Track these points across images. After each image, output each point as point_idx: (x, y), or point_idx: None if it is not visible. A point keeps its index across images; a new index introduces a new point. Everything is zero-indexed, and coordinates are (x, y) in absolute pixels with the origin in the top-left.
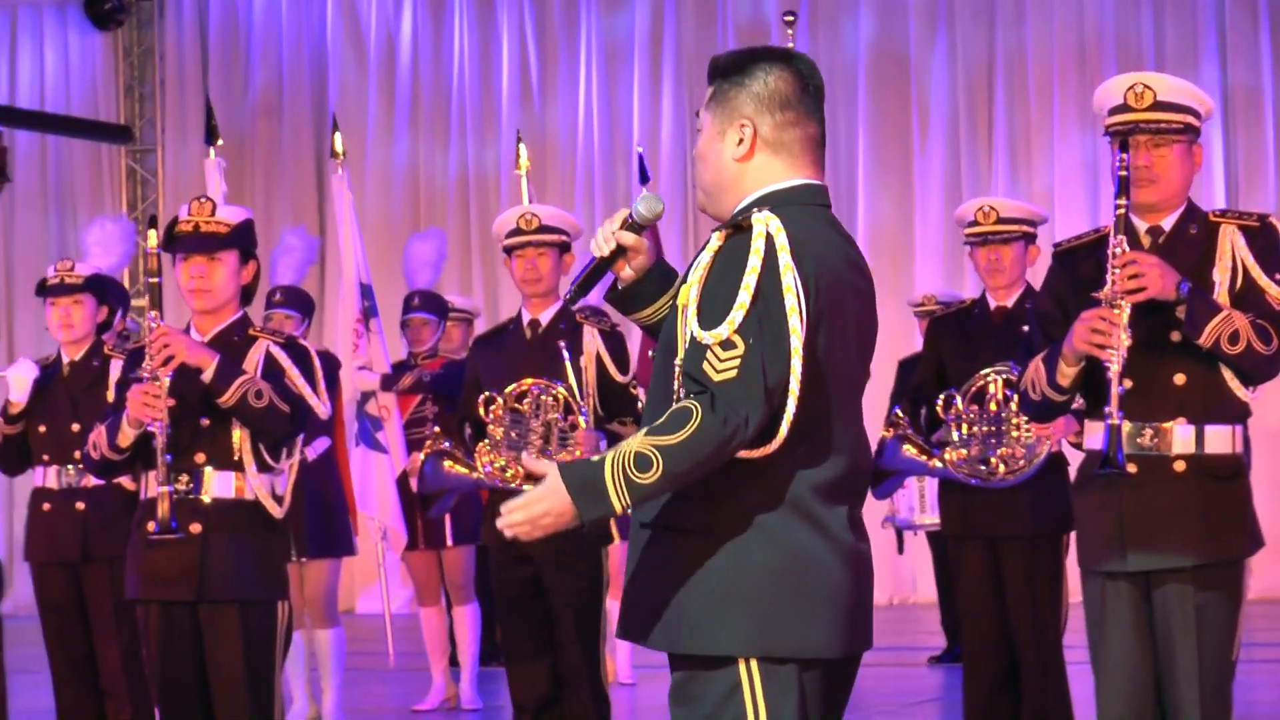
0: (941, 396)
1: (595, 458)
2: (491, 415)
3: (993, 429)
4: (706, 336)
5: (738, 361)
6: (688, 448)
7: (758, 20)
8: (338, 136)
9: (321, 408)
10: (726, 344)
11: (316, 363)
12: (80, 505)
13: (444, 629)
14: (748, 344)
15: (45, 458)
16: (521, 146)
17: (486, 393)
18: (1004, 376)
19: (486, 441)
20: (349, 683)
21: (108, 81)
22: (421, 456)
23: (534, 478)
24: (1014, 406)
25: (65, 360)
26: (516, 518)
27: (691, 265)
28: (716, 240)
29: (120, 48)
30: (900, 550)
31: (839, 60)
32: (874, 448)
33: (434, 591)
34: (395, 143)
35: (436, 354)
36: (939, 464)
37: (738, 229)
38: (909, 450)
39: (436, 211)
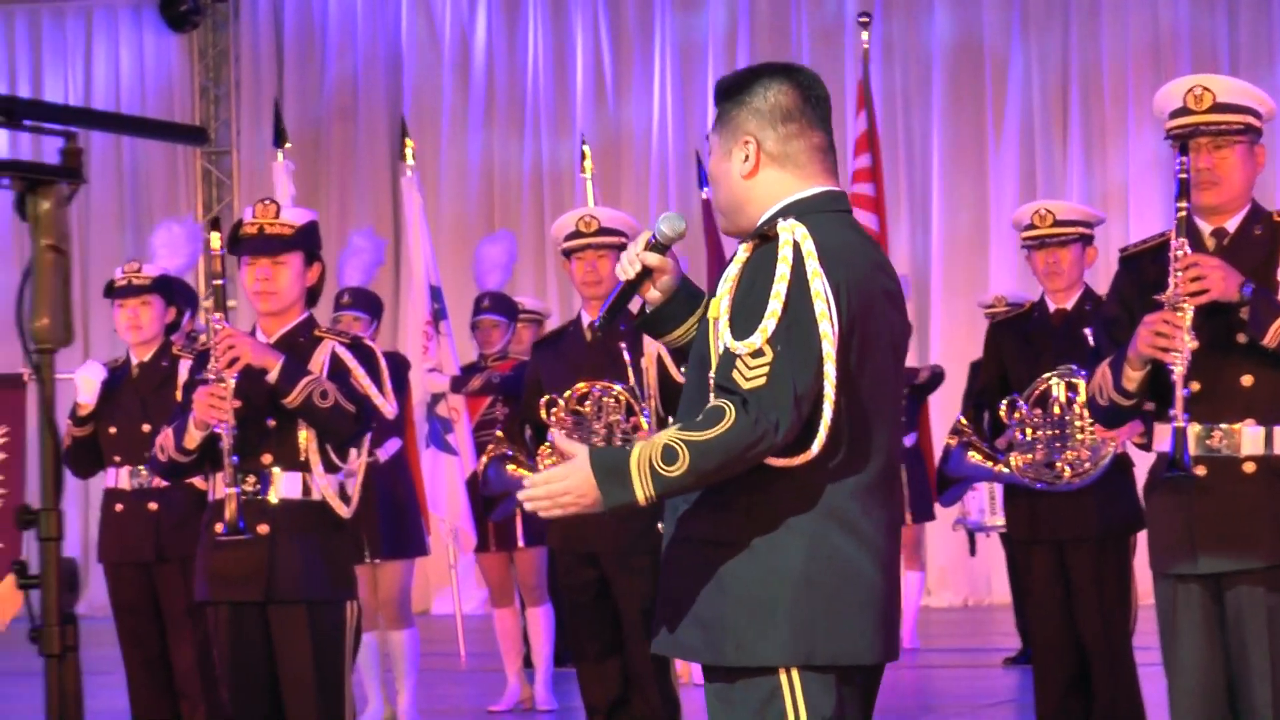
0: (1004, 401)
1: (625, 447)
2: (553, 418)
3: (1057, 432)
4: (739, 346)
5: (767, 369)
6: (716, 446)
7: (834, 20)
8: (408, 140)
9: (388, 408)
10: (756, 352)
11: (382, 363)
12: (152, 505)
13: (518, 630)
14: (776, 351)
15: (116, 459)
16: (586, 149)
17: (548, 395)
18: (1066, 379)
19: (548, 444)
20: (424, 683)
21: (183, 83)
22: (484, 461)
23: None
24: (1077, 409)
25: (134, 361)
26: (538, 492)
27: (720, 278)
28: (744, 251)
29: (195, 49)
30: (972, 552)
31: (914, 59)
32: (939, 454)
33: (508, 593)
34: (469, 142)
35: (506, 356)
36: (1004, 469)
37: (764, 239)
38: (974, 457)
39: (510, 211)
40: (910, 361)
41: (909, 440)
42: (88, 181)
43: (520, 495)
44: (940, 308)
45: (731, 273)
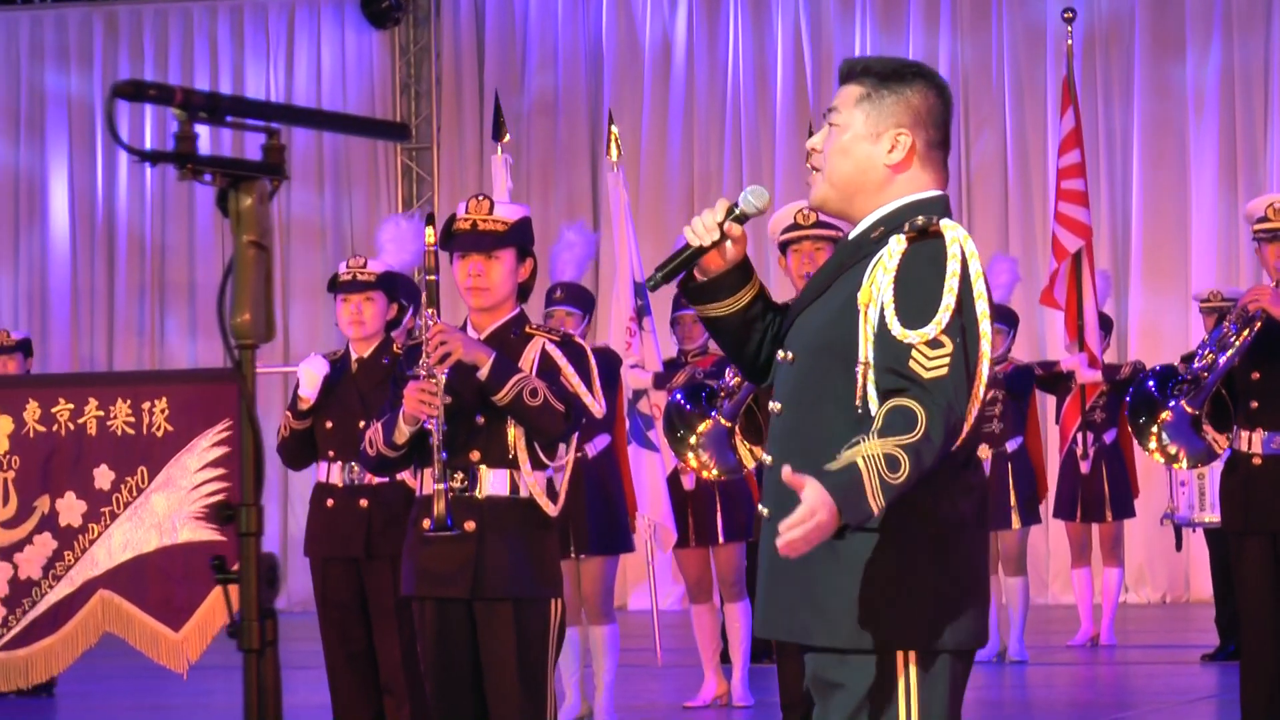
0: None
1: (840, 464)
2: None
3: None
4: (911, 335)
5: (948, 360)
6: (929, 443)
7: (1037, 17)
8: (614, 132)
9: (596, 406)
10: (934, 343)
11: (592, 361)
12: (364, 502)
13: (716, 626)
14: (955, 344)
15: (331, 453)
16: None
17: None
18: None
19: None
20: (621, 679)
21: (384, 80)
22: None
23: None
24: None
25: (354, 357)
26: (795, 535)
27: (856, 266)
28: (900, 243)
29: (397, 46)
30: (1178, 548)
31: (1115, 53)
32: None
33: (706, 589)
34: (669, 138)
35: (707, 351)
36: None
37: (922, 234)
38: (1165, 416)
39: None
40: (1109, 357)
41: (1109, 437)
42: (289, 178)
43: (781, 546)
44: (1140, 302)
45: (889, 264)
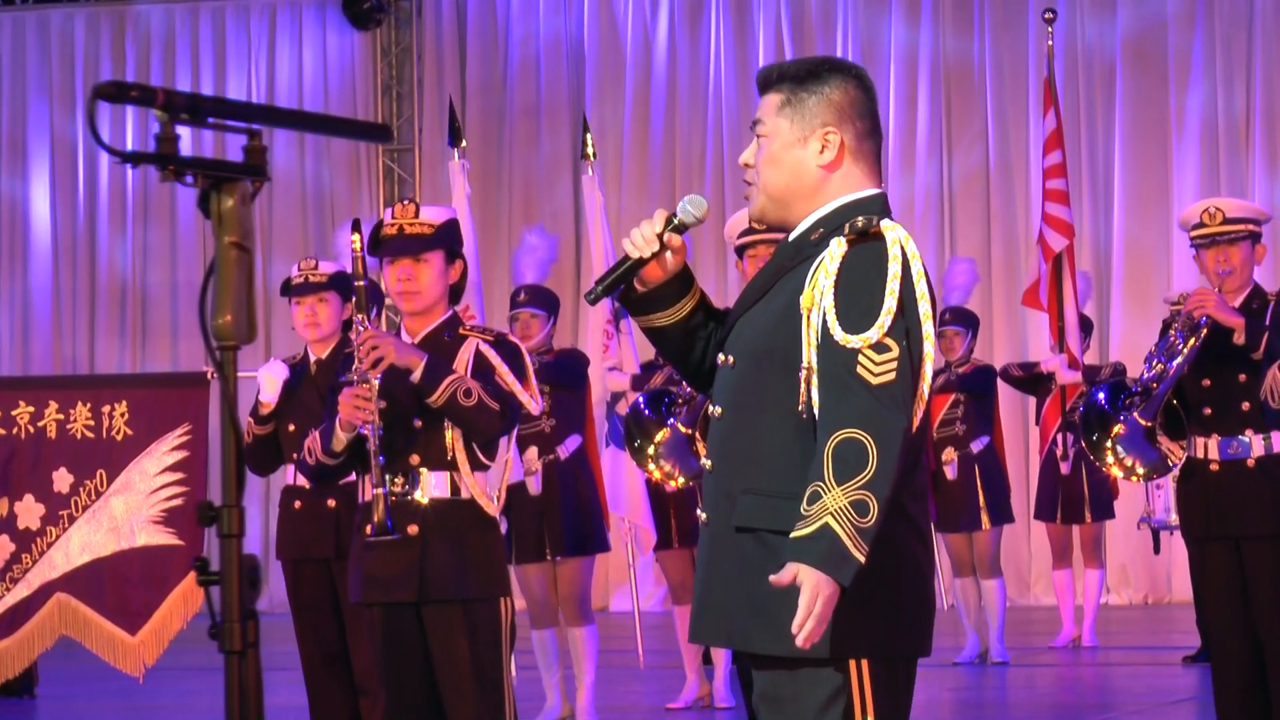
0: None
1: (811, 529)
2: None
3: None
4: (855, 340)
5: (894, 364)
6: (885, 473)
7: (1018, 18)
8: (588, 137)
9: (533, 404)
10: (879, 347)
11: (526, 358)
12: (331, 502)
13: None
14: (900, 346)
15: (295, 456)
16: None
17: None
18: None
19: None
20: (603, 681)
21: (365, 81)
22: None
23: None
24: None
25: (312, 358)
26: (810, 627)
27: (796, 269)
28: (840, 247)
29: (378, 47)
30: (1156, 551)
31: (1096, 57)
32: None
33: (689, 590)
34: (651, 139)
35: None
36: (1138, 412)
37: (862, 236)
38: (1117, 430)
39: None
40: (1090, 359)
41: None
42: (271, 179)
43: (801, 642)
44: (1121, 306)
45: (830, 267)
